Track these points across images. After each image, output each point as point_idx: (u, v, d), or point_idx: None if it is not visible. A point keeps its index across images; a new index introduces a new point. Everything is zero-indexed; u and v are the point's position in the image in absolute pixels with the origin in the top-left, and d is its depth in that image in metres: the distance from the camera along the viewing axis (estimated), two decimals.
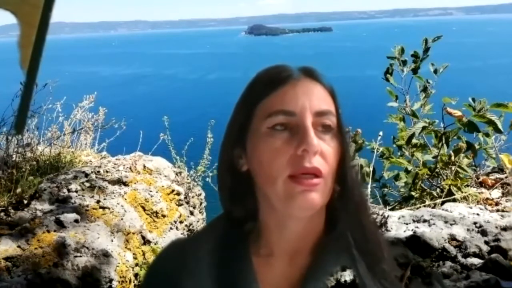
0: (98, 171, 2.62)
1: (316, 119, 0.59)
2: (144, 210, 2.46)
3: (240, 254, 0.62)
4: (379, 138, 2.62)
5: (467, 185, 2.34)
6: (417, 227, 1.79)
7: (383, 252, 0.62)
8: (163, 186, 2.69)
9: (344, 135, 0.62)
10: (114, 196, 2.39)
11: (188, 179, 3.06)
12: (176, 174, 3.00)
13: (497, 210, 1.99)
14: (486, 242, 1.66)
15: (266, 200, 0.61)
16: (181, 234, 2.64)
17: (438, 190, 2.44)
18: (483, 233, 1.71)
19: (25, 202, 2.14)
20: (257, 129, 0.60)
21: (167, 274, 0.65)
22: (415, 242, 1.66)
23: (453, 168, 2.34)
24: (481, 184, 2.36)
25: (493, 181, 2.34)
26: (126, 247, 2.15)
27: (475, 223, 1.78)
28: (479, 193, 2.20)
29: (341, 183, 0.62)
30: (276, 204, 0.59)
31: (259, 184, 0.61)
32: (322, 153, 0.58)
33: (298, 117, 0.58)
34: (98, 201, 2.27)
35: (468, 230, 1.74)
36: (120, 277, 1.97)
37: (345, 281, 0.59)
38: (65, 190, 2.33)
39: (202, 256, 0.63)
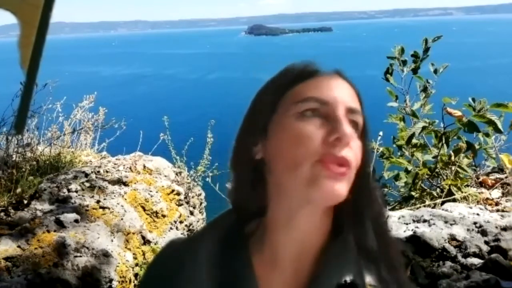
0: (98, 171, 2.62)
1: (347, 115, 0.58)
2: (144, 210, 2.46)
3: (241, 259, 0.60)
4: (379, 138, 2.62)
5: (467, 185, 2.34)
6: (417, 227, 1.79)
7: (397, 261, 0.60)
8: (163, 186, 2.69)
9: (367, 139, 0.62)
10: (114, 196, 2.39)
11: (188, 179, 3.06)
12: (176, 174, 3.01)
13: (497, 210, 1.99)
14: (486, 242, 1.66)
15: (279, 192, 0.59)
16: (181, 234, 2.64)
17: (438, 190, 2.44)
18: (483, 233, 1.71)
19: (25, 202, 2.14)
20: (284, 114, 0.59)
21: (165, 276, 0.63)
22: (415, 242, 1.66)
23: (453, 168, 2.34)
24: (481, 184, 2.36)
25: (493, 181, 2.34)
26: (126, 247, 2.15)
27: (475, 223, 1.78)
28: (479, 193, 2.20)
29: (360, 186, 0.60)
30: (296, 191, 0.56)
31: (278, 170, 0.58)
32: (351, 146, 0.56)
33: (331, 106, 0.57)
34: (98, 201, 2.27)
35: (468, 230, 1.74)
36: (120, 277, 1.97)
37: (345, 281, 0.57)
38: (65, 190, 2.33)
39: (201, 262, 0.61)
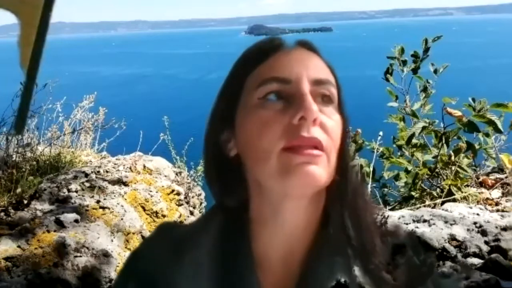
0: (98, 171, 2.62)
1: (314, 88, 0.51)
2: (144, 210, 2.46)
3: (240, 254, 0.56)
4: (379, 138, 2.62)
5: (467, 185, 2.34)
6: (417, 227, 1.79)
7: (377, 248, 0.54)
8: (163, 186, 2.69)
9: (345, 113, 0.55)
10: (114, 196, 2.39)
11: (188, 179, 3.06)
12: (176, 174, 3.01)
13: (497, 210, 1.99)
14: (486, 242, 1.66)
15: (258, 186, 0.54)
16: None
17: (438, 190, 2.44)
18: (483, 233, 1.71)
19: (25, 202, 2.14)
20: (246, 103, 0.53)
21: (156, 267, 0.57)
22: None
23: (453, 168, 2.34)
24: (481, 184, 2.36)
25: (493, 181, 2.34)
26: (126, 247, 2.15)
27: (475, 223, 1.78)
28: (479, 193, 2.20)
29: (339, 166, 0.54)
30: (271, 185, 0.51)
31: (250, 166, 0.54)
32: (323, 125, 0.50)
33: (294, 84, 0.51)
34: (98, 201, 2.27)
35: (468, 230, 1.74)
36: None
37: (336, 281, 0.53)
38: (65, 190, 2.33)
39: (202, 262, 0.56)
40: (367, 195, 0.57)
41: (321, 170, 0.49)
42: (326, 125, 0.51)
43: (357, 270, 0.53)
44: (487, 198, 2.16)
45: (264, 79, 0.52)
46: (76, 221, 2.04)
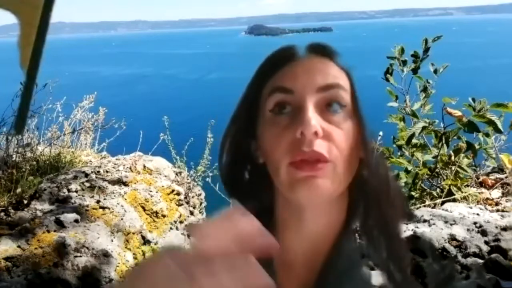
0: (98, 171, 2.62)
1: (321, 95, 0.52)
2: (144, 210, 2.46)
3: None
4: (379, 138, 2.61)
5: (467, 185, 2.34)
6: (417, 227, 1.79)
7: (403, 251, 0.55)
8: (163, 186, 2.69)
9: (361, 117, 0.54)
10: (114, 196, 2.39)
11: (188, 179, 3.06)
12: (176, 174, 3.01)
13: (497, 210, 1.99)
14: (486, 242, 1.66)
15: (280, 193, 0.57)
16: (181, 234, 2.64)
17: (438, 190, 2.44)
18: (483, 233, 1.71)
19: (25, 202, 2.14)
20: (263, 114, 0.55)
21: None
22: (415, 242, 1.66)
23: (453, 168, 2.34)
24: (481, 184, 2.36)
25: (493, 181, 2.34)
26: (126, 247, 2.15)
27: (475, 223, 1.78)
28: (479, 193, 2.20)
29: (365, 173, 0.55)
30: (285, 195, 0.53)
31: (271, 175, 0.56)
32: (328, 134, 0.51)
33: (297, 94, 0.52)
34: (98, 201, 2.27)
35: (468, 230, 1.74)
36: (120, 277, 1.97)
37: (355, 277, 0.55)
38: (65, 190, 2.33)
39: None
40: (394, 196, 0.56)
41: (326, 181, 0.50)
42: (331, 134, 0.51)
43: (379, 275, 0.54)
44: (487, 198, 2.16)
45: (271, 90, 0.54)
46: (76, 221, 2.04)
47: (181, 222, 2.69)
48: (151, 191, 2.57)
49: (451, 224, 1.78)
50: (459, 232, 1.72)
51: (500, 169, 2.49)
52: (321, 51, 0.57)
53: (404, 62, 3.03)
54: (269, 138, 0.54)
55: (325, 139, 0.51)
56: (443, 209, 1.98)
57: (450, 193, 2.25)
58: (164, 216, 2.54)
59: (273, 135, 0.53)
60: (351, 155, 0.52)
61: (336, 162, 0.51)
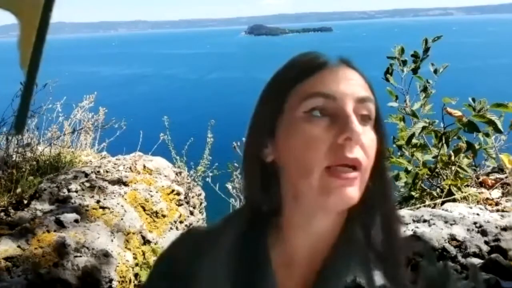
0: (98, 171, 2.62)
1: (356, 106, 0.54)
2: (144, 210, 2.46)
3: (260, 256, 0.59)
4: None
5: (467, 185, 2.34)
6: (417, 227, 1.79)
7: (402, 257, 0.57)
8: (163, 186, 2.69)
9: (383, 129, 0.58)
10: (114, 196, 2.39)
11: (188, 179, 3.06)
12: (176, 174, 3.01)
13: (497, 210, 1.98)
14: (486, 242, 1.66)
15: (295, 196, 0.57)
16: None
17: (438, 190, 2.43)
18: (483, 233, 1.71)
19: (25, 202, 2.14)
20: (291, 115, 0.55)
21: (181, 266, 0.61)
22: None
23: (453, 168, 2.34)
24: (481, 184, 2.36)
25: (493, 181, 2.34)
26: (126, 247, 2.15)
27: (475, 223, 1.78)
28: (479, 193, 2.20)
29: (376, 180, 0.57)
30: (309, 198, 0.54)
31: (289, 176, 0.56)
32: (362, 144, 0.53)
33: (339, 102, 0.53)
34: (98, 201, 2.27)
35: (468, 230, 1.74)
36: (120, 277, 1.97)
37: (353, 280, 0.55)
38: (65, 190, 2.33)
39: (221, 256, 0.59)
40: (394, 202, 0.60)
41: (356, 190, 0.53)
42: (364, 144, 0.53)
43: (377, 274, 0.56)
44: (487, 198, 2.16)
45: (310, 94, 0.54)
46: (76, 221, 2.04)
47: (181, 222, 2.69)
48: (151, 191, 2.57)
49: (451, 224, 1.78)
50: (459, 232, 1.72)
51: (500, 169, 2.49)
52: (349, 63, 0.59)
53: (404, 62, 3.03)
54: (303, 137, 0.54)
55: (360, 147, 0.53)
56: (443, 209, 1.98)
57: (450, 193, 2.25)
58: (164, 216, 2.54)
59: (309, 135, 0.53)
60: (371, 164, 0.56)
61: (364, 171, 0.54)
